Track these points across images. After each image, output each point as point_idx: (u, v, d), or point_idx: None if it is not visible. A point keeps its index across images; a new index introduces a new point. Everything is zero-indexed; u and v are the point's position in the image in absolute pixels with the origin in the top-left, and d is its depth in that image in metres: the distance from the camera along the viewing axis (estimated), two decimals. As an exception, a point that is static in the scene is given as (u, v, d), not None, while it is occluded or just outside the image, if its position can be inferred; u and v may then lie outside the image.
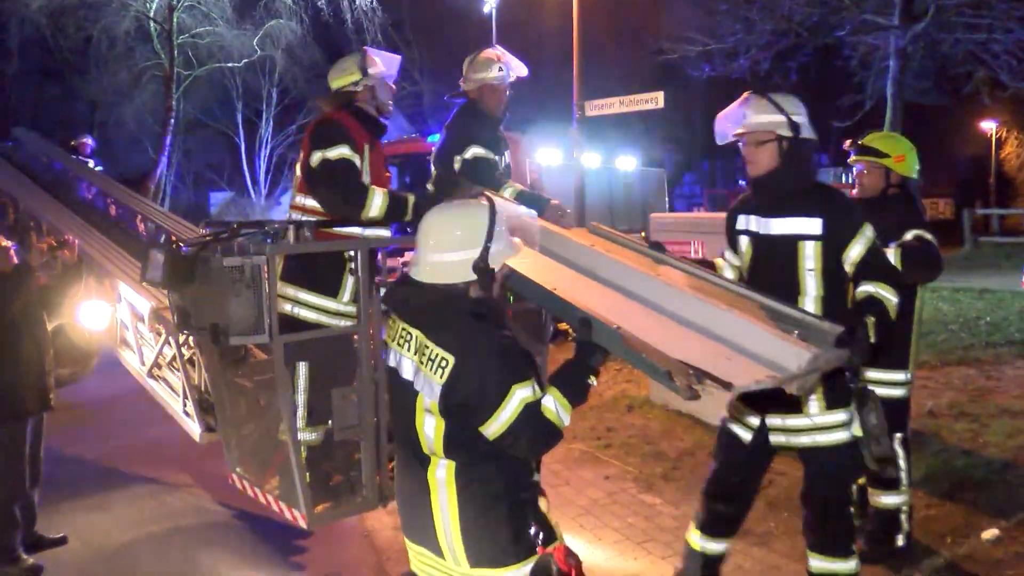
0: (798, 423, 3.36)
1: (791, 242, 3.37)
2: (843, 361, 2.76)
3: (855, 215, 3.38)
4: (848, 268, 3.35)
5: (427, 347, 2.48)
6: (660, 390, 7.27)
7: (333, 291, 4.05)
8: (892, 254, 3.99)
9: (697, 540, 3.64)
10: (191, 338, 4.89)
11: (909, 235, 4.11)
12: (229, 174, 29.38)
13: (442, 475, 2.52)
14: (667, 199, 18.87)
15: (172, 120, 21.61)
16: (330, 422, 4.01)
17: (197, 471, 5.98)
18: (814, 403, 3.32)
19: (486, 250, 2.47)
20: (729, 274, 3.60)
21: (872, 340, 3.15)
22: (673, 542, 4.53)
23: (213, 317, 3.69)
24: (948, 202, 34.10)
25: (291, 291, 4.03)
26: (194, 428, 5.13)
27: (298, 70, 25.05)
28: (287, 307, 3.99)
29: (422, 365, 2.49)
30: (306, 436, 4.05)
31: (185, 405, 5.28)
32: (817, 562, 3.45)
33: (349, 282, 4.02)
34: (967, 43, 16.39)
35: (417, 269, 2.55)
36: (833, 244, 3.33)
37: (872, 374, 4.10)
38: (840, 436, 3.33)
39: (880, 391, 3.84)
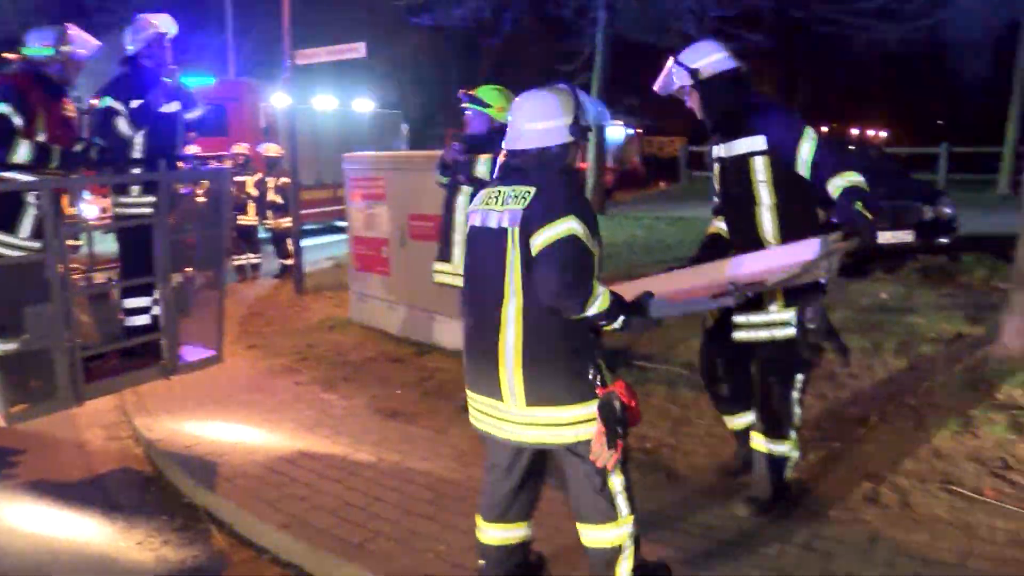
0: (760, 319, 3.97)
1: (744, 159, 3.91)
2: (856, 245, 3.60)
3: (795, 123, 3.85)
4: (804, 172, 3.78)
5: (515, 190, 3.00)
6: (358, 311, 8.38)
7: (10, 228, 4.87)
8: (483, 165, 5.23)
9: (729, 421, 4.40)
10: None
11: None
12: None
13: (512, 313, 2.94)
14: (405, 140, 19.86)
15: None
16: (26, 335, 4.74)
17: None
18: (774, 303, 3.93)
19: (577, 118, 3.06)
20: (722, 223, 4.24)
21: (870, 219, 3.58)
22: (338, 425, 5.60)
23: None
24: (681, 140, 37.41)
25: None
26: None
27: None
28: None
29: (509, 204, 2.99)
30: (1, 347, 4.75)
31: None
32: (759, 441, 4.07)
33: (29, 219, 4.81)
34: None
35: (514, 139, 3.11)
36: (780, 155, 3.83)
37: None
38: (790, 331, 3.91)
39: None
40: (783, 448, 4.06)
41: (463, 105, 5.47)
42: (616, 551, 3.10)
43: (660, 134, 42.66)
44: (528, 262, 2.92)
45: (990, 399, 5.13)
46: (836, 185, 3.71)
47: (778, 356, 4.01)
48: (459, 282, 5.40)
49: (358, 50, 9.64)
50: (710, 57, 3.98)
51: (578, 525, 3.17)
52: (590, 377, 2.96)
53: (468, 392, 3.21)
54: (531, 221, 2.91)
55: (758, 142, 3.89)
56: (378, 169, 7.99)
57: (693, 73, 3.95)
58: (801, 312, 3.88)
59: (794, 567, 3.59)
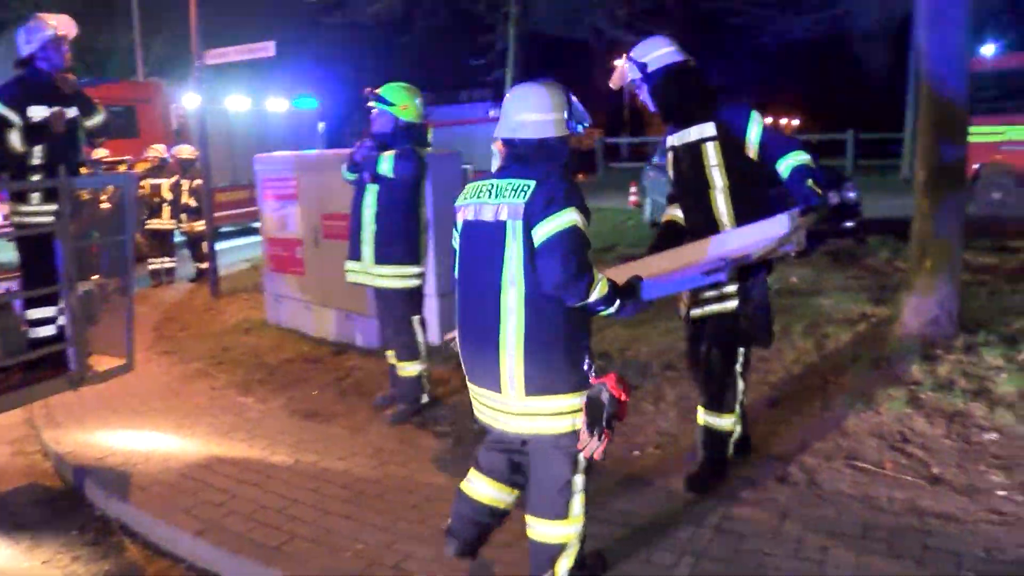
0: (712, 294, 4.19)
1: (696, 146, 4.15)
2: (815, 219, 3.85)
3: (742, 108, 4.10)
4: (754, 154, 4.04)
5: (511, 183, 3.07)
6: (274, 312, 8.28)
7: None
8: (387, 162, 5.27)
9: (700, 415, 4.36)
10: None
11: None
12: None
13: (513, 303, 3.02)
14: (321, 139, 19.62)
15: None
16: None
17: None
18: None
19: (571, 113, 3.16)
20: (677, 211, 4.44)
21: (822, 196, 3.87)
22: (255, 428, 5.55)
23: None
24: (598, 132, 37.84)
25: None
26: None
27: None
28: None
29: (506, 197, 3.05)
30: None
31: None
32: (701, 414, 4.33)
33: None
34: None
35: (510, 130, 3.15)
36: (730, 140, 4.06)
37: (384, 269, 5.37)
38: (733, 304, 4.15)
39: (384, 283, 5.23)
40: (725, 422, 4.28)
41: (368, 104, 5.46)
42: (561, 548, 3.19)
43: (580, 127, 43.30)
44: (531, 254, 3.00)
45: (891, 376, 5.34)
46: (786, 165, 3.97)
47: (722, 329, 4.21)
48: (370, 280, 5.47)
49: (267, 49, 9.50)
50: (657, 51, 4.19)
51: (528, 518, 3.24)
52: (584, 368, 3.07)
53: (469, 384, 3.28)
54: (533, 214, 2.99)
55: (708, 129, 4.11)
56: (290, 169, 7.89)
57: (642, 67, 4.17)
58: (743, 286, 4.12)
59: (705, 549, 3.69)
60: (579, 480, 3.16)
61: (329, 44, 26.97)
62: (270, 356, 7.24)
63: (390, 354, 5.74)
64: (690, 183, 4.24)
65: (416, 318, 5.52)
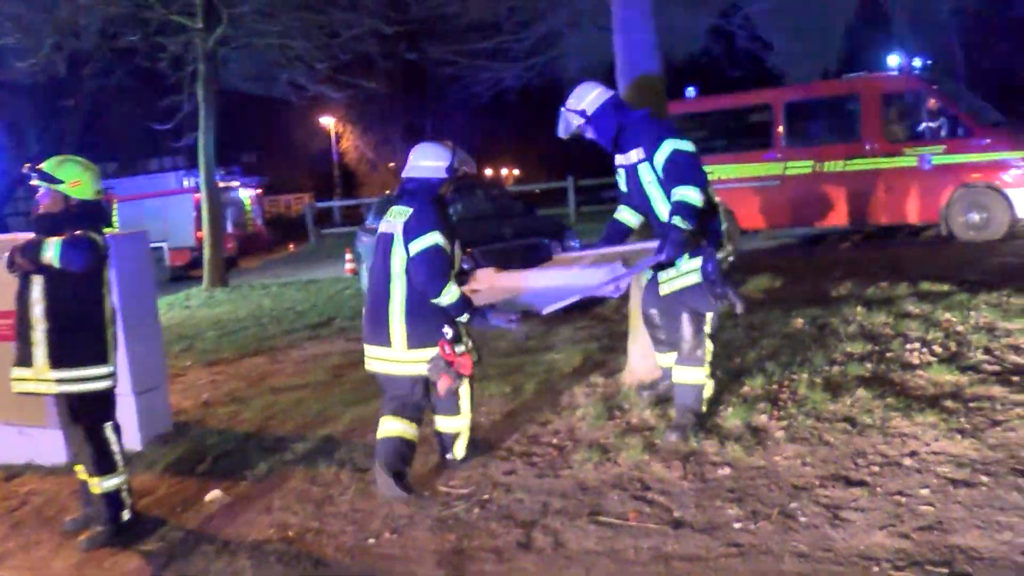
0: (675, 272, 5.33)
1: (635, 167, 5.33)
2: (653, 262, 5.17)
3: (660, 136, 5.18)
4: (662, 175, 5.17)
5: (405, 210, 5.04)
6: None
7: None
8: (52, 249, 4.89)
9: (659, 359, 5.87)
10: None
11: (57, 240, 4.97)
12: None
13: (398, 289, 5.01)
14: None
15: None
16: None
17: None
18: (682, 258, 5.22)
19: (452, 161, 5.12)
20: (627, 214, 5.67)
21: (682, 234, 4.96)
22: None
23: None
24: (308, 196, 37.72)
25: None
26: None
27: None
28: None
29: (397, 217, 5.06)
30: None
31: None
32: (676, 372, 5.47)
33: None
34: (274, 47, 18.46)
35: (407, 170, 5.19)
36: (653, 161, 5.19)
37: (63, 374, 5.01)
38: (696, 277, 5.23)
39: (64, 389, 4.90)
40: (698, 375, 5.43)
41: (32, 183, 5.13)
42: (457, 435, 5.35)
43: (284, 191, 42.73)
44: (406, 259, 4.98)
45: (626, 424, 5.74)
46: (673, 197, 5.09)
47: (690, 298, 5.32)
48: (46, 388, 5.07)
49: None
50: (591, 95, 5.36)
51: (435, 416, 5.40)
52: (442, 331, 4.95)
53: (364, 345, 5.22)
54: (410, 232, 4.95)
55: (640, 152, 5.29)
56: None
57: (582, 113, 5.33)
58: (704, 263, 5.19)
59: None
60: (463, 390, 5.22)
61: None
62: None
63: (79, 469, 5.34)
64: (636, 196, 5.44)
65: (108, 425, 5.19)
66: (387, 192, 20.64)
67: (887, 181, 13.48)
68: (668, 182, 5.15)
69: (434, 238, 4.89)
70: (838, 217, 14.16)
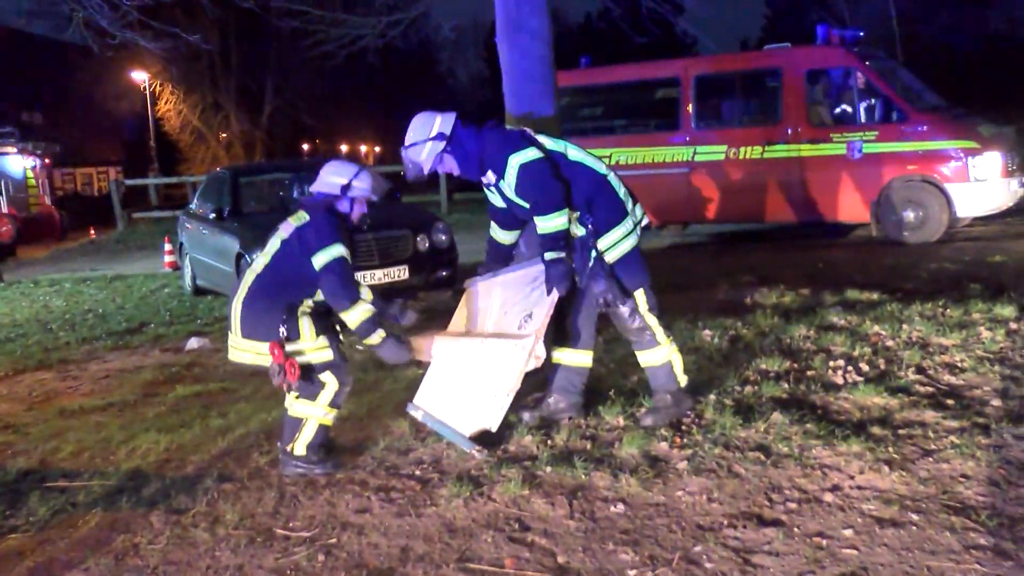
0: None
1: (497, 184, 5.98)
2: (551, 308, 5.94)
3: (505, 156, 5.80)
4: (518, 197, 5.90)
5: (304, 215, 5.88)
6: None
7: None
8: None
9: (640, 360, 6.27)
10: None
11: None
12: None
13: (250, 277, 5.82)
14: None
15: None
16: None
17: None
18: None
19: (350, 182, 5.87)
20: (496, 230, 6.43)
21: (559, 265, 5.83)
22: None
23: None
24: (114, 171, 36.59)
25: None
26: None
27: None
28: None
29: (292, 220, 5.89)
30: None
31: None
32: (640, 358, 6.18)
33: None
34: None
35: (314, 183, 5.98)
36: (507, 182, 5.89)
37: None
38: (602, 278, 5.91)
39: None
40: (661, 352, 6.08)
41: None
42: (303, 424, 5.87)
43: (84, 164, 41.13)
44: (281, 256, 5.83)
45: (501, 452, 5.79)
46: (537, 230, 5.89)
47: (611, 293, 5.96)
48: None
49: None
50: (436, 121, 5.91)
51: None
52: (277, 332, 5.61)
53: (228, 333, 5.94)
54: (307, 241, 5.73)
55: (492, 175, 5.95)
56: None
57: (440, 136, 5.87)
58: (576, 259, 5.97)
59: None
60: (329, 378, 5.83)
61: None
62: None
63: None
64: (511, 211, 6.11)
65: None
66: (218, 169, 20.10)
67: (811, 171, 13.85)
68: (529, 209, 5.89)
69: (339, 250, 5.68)
70: (755, 213, 14.53)
